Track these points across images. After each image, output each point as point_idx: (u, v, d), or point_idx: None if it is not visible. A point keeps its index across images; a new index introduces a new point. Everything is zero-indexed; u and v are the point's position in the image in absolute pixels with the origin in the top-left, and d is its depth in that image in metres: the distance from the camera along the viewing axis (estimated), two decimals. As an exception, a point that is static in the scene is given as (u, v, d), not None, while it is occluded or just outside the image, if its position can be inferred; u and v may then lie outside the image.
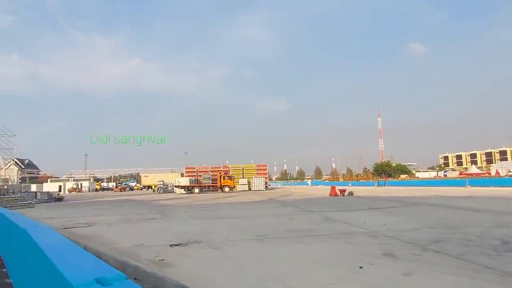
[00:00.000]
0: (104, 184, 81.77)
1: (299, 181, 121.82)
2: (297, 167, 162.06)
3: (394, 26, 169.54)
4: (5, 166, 44.08)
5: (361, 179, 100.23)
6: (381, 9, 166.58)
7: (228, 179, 42.13)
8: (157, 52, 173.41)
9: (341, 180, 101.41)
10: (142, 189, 65.97)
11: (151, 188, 62.51)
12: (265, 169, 51.85)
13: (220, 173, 42.97)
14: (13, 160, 51.76)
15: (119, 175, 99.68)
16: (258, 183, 46.03)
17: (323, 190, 36.73)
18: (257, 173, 48.90)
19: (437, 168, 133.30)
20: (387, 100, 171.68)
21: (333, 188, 25.35)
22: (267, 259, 6.07)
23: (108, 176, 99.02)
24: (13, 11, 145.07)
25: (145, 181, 68.88)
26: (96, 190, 72.34)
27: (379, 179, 52.39)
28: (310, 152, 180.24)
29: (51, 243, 3.91)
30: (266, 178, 50.67)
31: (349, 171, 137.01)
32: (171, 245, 7.50)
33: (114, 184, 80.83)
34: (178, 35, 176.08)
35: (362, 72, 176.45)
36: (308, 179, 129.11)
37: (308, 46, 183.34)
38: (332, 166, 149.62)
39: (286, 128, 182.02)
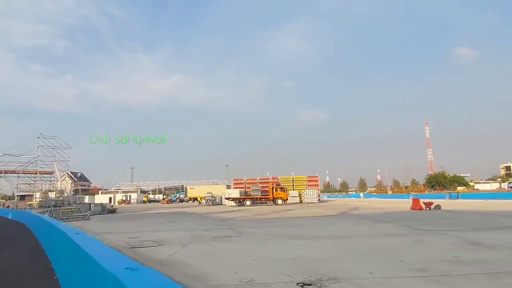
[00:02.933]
0: (151, 196, 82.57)
1: (344, 193, 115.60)
2: (339, 179, 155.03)
3: (437, 30, 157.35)
4: (61, 178, 45.15)
5: (411, 191, 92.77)
6: (423, 13, 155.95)
7: (281, 191, 39.36)
8: (197, 67, 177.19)
9: (390, 192, 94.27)
10: (188, 201, 65.10)
11: (197, 200, 61.35)
12: (317, 181, 48.42)
13: (272, 184, 40.37)
14: (67, 173, 53.51)
15: (164, 187, 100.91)
16: (311, 195, 42.71)
17: (389, 203, 32.82)
18: (308, 185, 45.64)
19: (499, 179, 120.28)
20: (434, 109, 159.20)
21: (416, 200, 21.64)
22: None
23: (153, 188, 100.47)
24: (67, 36, 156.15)
25: (191, 193, 67.91)
26: (144, 202, 72.86)
27: (448, 191, 46.68)
28: (352, 163, 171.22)
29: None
30: (318, 190, 47.36)
31: (396, 183, 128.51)
32: (300, 285, 4.98)
33: (160, 196, 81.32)
34: (217, 50, 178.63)
35: (406, 80, 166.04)
36: (352, 191, 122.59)
37: (347, 56, 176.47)
38: (377, 178, 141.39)
39: (326, 140, 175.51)
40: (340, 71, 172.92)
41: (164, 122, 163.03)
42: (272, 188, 39.28)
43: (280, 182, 43.83)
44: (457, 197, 38.94)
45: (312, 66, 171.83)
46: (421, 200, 21.60)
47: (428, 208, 20.57)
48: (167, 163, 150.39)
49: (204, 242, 10.04)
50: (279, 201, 38.29)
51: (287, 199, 39.68)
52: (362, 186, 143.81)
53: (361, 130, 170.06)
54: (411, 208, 21.17)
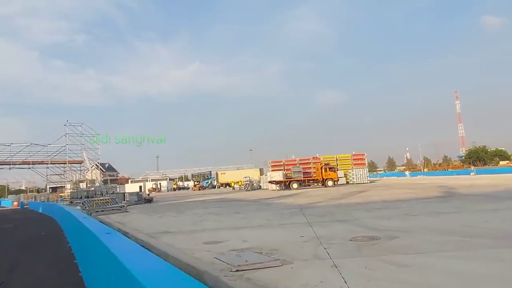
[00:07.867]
0: (180, 183, 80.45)
1: (375, 173, 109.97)
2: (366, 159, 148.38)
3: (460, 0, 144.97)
4: (91, 167, 42.39)
5: (446, 168, 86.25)
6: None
7: (331, 171, 35.06)
8: (215, 54, 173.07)
9: (425, 170, 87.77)
10: (219, 187, 61.81)
11: (229, 186, 57.89)
12: (363, 159, 43.48)
13: (320, 164, 36.00)
14: (96, 164, 51.05)
15: (192, 174, 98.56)
16: (361, 174, 38.47)
17: (465, 181, 27.67)
18: (353, 164, 41.02)
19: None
20: (462, 84, 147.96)
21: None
22: None
23: (179, 175, 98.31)
24: (86, 30, 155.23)
25: (222, 178, 64.37)
26: (174, 189, 70.58)
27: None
28: (377, 143, 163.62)
29: None
30: (366, 169, 42.60)
31: (427, 160, 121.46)
32: None
33: (189, 183, 78.97)
34: (233, 36, 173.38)
35: (430, 54, 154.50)
36: (380, 171, 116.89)
37: (366, 33, 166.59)
38: (406, 156, 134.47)
39: (349, 120, 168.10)
40: (358, 49, 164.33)
41: (184, 110, 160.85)
42: (321, 169, 34.96)
43: (324, 162, 39.40)
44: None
45: (329, 46, 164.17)
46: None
47: None
48: (189, 150, 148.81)
49: (354, 252, 5.76)
50: (329, 183, 34.11)
51: (338, 180, 35.42)
52: (391, 165, 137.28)
53: (383, 109, 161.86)
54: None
